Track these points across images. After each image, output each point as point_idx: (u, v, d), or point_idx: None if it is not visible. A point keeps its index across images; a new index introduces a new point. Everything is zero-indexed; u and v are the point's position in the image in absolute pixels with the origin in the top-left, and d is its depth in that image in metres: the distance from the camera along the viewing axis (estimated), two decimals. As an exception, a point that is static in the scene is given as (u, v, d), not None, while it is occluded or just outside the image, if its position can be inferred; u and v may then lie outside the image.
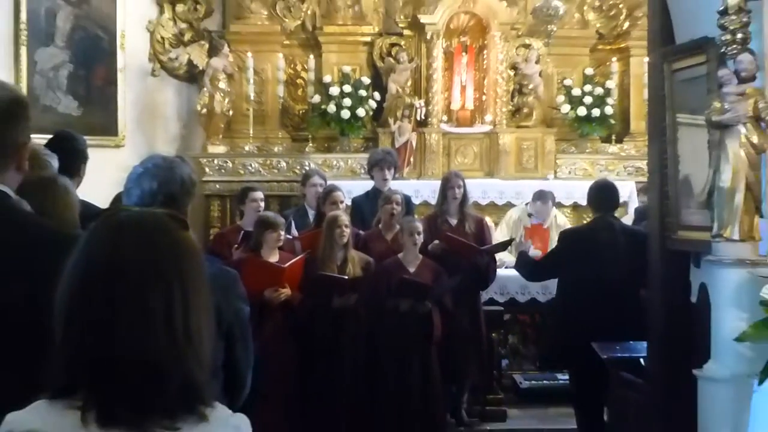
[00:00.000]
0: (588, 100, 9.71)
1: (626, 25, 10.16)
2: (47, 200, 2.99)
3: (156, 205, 2.82)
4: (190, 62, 9.85)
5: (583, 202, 7.15)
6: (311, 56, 9.82)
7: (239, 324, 3.02)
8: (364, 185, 8.05)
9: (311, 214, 7.35)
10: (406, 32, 9.93)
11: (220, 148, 9.56)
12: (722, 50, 4.13)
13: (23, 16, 8.75)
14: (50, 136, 4.80)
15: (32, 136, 2.42)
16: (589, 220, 7.24)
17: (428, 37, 9.57)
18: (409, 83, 9.68)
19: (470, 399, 7.29)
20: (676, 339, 4.65)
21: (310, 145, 9.76)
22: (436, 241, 6.82)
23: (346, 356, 6.28)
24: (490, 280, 7.14)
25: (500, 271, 7.40)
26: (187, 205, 3.01)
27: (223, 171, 9.46)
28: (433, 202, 7.70)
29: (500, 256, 7.52)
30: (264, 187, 8.04)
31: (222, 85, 9.44)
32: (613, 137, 10.01)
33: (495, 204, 9.29)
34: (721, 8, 4.08)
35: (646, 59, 6.41)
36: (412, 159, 9.38)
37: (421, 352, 6.37)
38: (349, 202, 7.50)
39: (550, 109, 10.04)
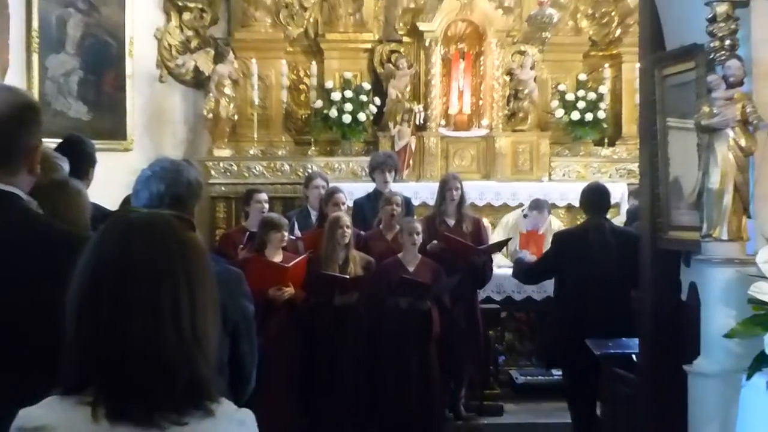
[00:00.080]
0: (581, 104, 9.70)
1: (618, 32, 10.15)
2: (59, 202, 2.99)
3: (163, 207, 2.83)
4: (196, 68, 9.85)
5: (577, 203, 7.14)
6: (314, 62, 9.82)
7: (244, 322, 3.02)
8: (365, 187, 8.05)
9: (314, 215, 7.34)
10: (406, 39, 9.93)
11: (226, 152, 9.56)
12: (711, 56, 4.13)
13: (35, 24, 8.74)
14: (60, 140, 4.80)
15: (44, 140, 2.41)
16: (582, 221, 7.23)
17: (427, 44, 9.56)
18: (409, 88, 9.67)
19: (468, 394, 7.28)
20: (667, 336, 4.65)
21: (313, 148, 9.75)
22: (435, 241, 6.82)
23: (348, 352, 6.28)
24: (487, 279, 7.15)
25: (497, 270, 7.41)
26: (193, 207, 3.01)
27: (228, 174, 9.46)
28: (432, 203, 7.70)
29: (494, 256, 7.52)
30: (268, 189, 8.04)
31: (227, 90, 9.43)
32: (606, 141, 10.00)
33: (491, 205, 9.29)
34: (710, 16, 4.08)
35: (638, 65, 6.39)
36: (411, 162, 9.38)
37: (420, 349, 6.37)
38: (350, 204, 7.49)
39: (545, 113, 10.03)
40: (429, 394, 6.41)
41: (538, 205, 8.10)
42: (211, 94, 9.42)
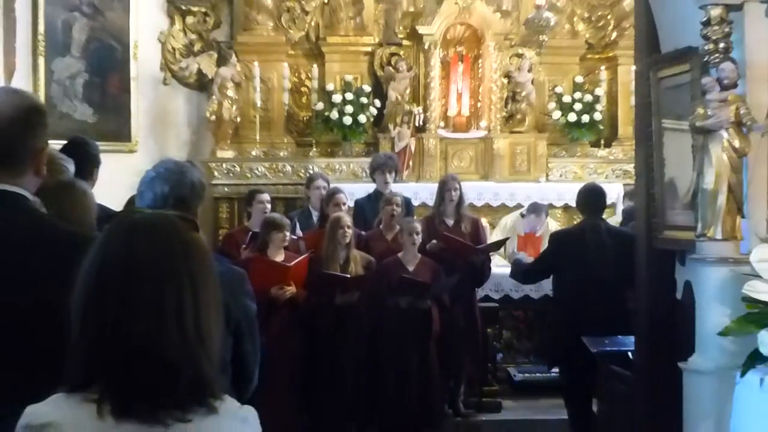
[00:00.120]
0: (578, 106, 9.71)
1: (614, 35, 10.15)
2: (65, 203, 2.99)
3: (168, 208, 2.82)
4: (199, 71, 9.84)
5: (574, 203, 7.14)
6: (315, 65, 9.82)
7: (247, 320, 3.02)
8: (366, 188, 8.05)
9: (315, 215, 7.34)
10: (405, 42, 9.93)
11: (229, 153, 9.56)
12: (705, 59, 4.13)
13: (41, 28, 8.75)
14: (65, 142, 4.80)
15: (50, 141, 2.42)
16: (578, 221, 7.23)
17: (426, 47, 9.56)
18: (408, 91, 9.67)
19: (467, 391, 7.28)
20: (662, 334, 4.65)
21: (314, 149, 9.75)
22: (434, 241, 6.82)
23: (349, 351, 6.28)
24: (485, 278, 7.15)
25: (495, 269, 7.41)
26: (197, 208, 3.01)
27: (231, 175, 9.46)
28: (431, 203, 7.69)
29: (493, 256, 7.52)
30: (270, 190, 8.04)
31: (230, 93, 9.44)
32: (602, 142, 10.00)
33: (490, 205, 9.29)
34: (704, 19, 4.08)
35: (633, 68, 6.40)
36: (411, 163, 9.38)
37: (420, 347, 6.37)
38: (351, 204, 7.49)
39: (542, 115, 10.03)
40: (429, 391, 6.41)
41: (536, 209, 8.10)
42: (214, 97, 9.42)
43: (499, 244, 7.57)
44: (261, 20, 9.76)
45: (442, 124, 9.66)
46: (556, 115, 9.81)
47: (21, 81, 7.82)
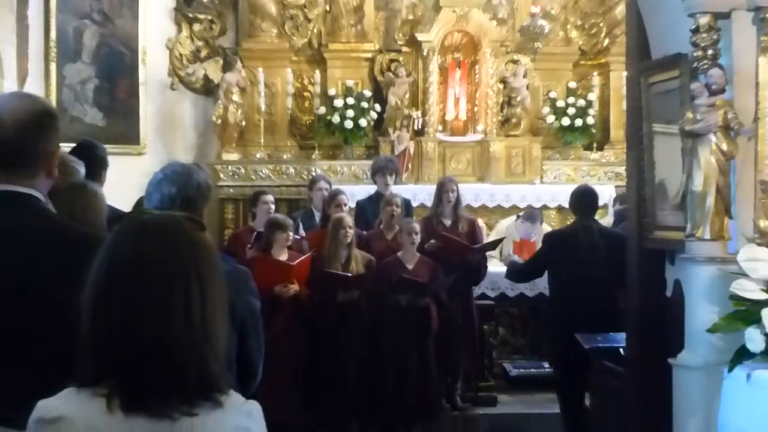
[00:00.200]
0: (571, 111, 9.70)
1: (606, 42, 10.14)
2: (77, 204, 2.98)
3: (175, 209, 2.82)
4: (206, 77, 9.84)
5: (567, 204, 7.14)
6: (317, 71, 9.81)
7: (251, 318, 3.01)
8: (367, 189, 8.05)
9: (317, 216, 7.34)
10: (405, 49, 9.92)
11: (234, 156, 9.55)
12: (694, 65, 4.13)
13: (53, 34, 8.76)
14: (74, 145, 4.79)
15: (61, 145, 2.41)
16: (571, 222, 7.23)
17: (425, 53, 9.56)
18: (407, 96, 9.66)
19: (463, 386, 7.27)
20: (652, 330, 4.64)
21: (317, 152, 9.74)
22: (433, 241, 6.82)
23: (351, 347, 6.28)
24: (481, 276, 7.15)
25: (491, 268, 7.41)
26: (203, 208, 3.01)
27: (236, 177, 9.45)
28: (430, 204, 7.69)
29: (489, 256, 7.51)
30: (274, 192, 8.02)
31: (235, 97, 9.43)
32: (595, 145, 9.99)
33: (486, 206, 9.28)
34: (693, 27, 4.08)
35: (625, 73, 6.40)
36: (410, 165, 9.37)
37: (418, 343, 6.36)
38: (352, 205, 7.50)
39: (537, 119, 10.03)
40: (427, 386, 6.40)
41: (531, 217, 8.09)
42: (219, 101, 9.42)
43: (495, 244, 7.57)
44: (265, 27, 9.75)
45: (440, 127, 9.65)
46: (550, 119, 9.81)
47: (33, 86, 7.82)
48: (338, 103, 9.48)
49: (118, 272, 1.60)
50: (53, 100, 8.35)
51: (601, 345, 5.46)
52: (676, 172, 4.26)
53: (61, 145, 2.40)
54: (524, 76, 9.81)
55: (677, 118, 4.16)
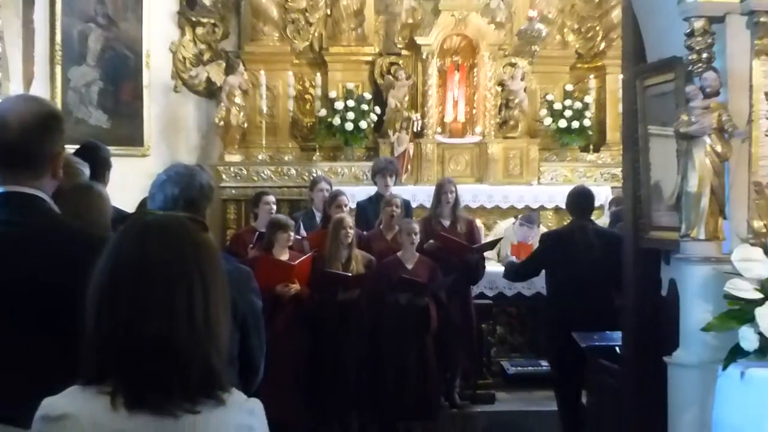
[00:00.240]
0: (568, 113, 9.71)
1: (602, 45, 10.14)
2: (82, 205, 2.98)
3: (178, 209, 2.82)
4: (208, 79, 9.85)
5: (564, 205, 7.14)
6: (318, 74, 9.82)
7: (253, 316, 3.02)
8: (367, 190, 8.05)
9: (318, 216, 7.34)
10: (404, 52, 9.92)
11: (236, 157, 9.55)
12: (689, 68, 4.13)
13: (58, 38, 8.76)
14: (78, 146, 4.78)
15: (66, 146, 2.41)
16: (568, 222, 7.23)
17: (424, 56, 9.56)
18: (407, 98, 9.67)
19: (462, 384, 7.27)
20: (648, 329, 4.64)
21: (318, 154, 9.74)
22: (432, 241, 6.82)
23: (351, 346, 6.27)
24: (480, 276, 7.14)
25: (489, 268, 7.40)
26: (206, 209, 3.01)
27: (238, 178, 9.45)
28: (429, 205, 7.69)
29: (487, 256, 7.51)
30: (276, 192, 8.02)
31: (238, 100, 9.43)
32: (591, 147, 10.00)
33: (484, 207, 9.29)
34: (688, 30, 4.08)
35: (621, 76, 6.40)
36: (409, 167, 9.37)
37: (418, 342, 6.36)
38: (353, 206, 7.50)
39: (534, 121, 10.03)
40: (426, 384, 6.39)
41: (529, 220, 8.09)
42: (222, 104, 9.42)
43: (493, 244, 7.57)
44: (267, 31, 9.75)
45: (439, 129, 9.65)
46: (548, 121, 9.81)
47: (39, 88, 7.83)
48: (339, 105, 9.48)
49: (122, 273, 1.60)
50: (58, 103, 8.36)
51: (597, 343, 5.46)
52: (671, 174, 4.26)
53: (66, 146, 2.40)
54: (522, 79, 9.81)
55: (672, 120, 4.16)
